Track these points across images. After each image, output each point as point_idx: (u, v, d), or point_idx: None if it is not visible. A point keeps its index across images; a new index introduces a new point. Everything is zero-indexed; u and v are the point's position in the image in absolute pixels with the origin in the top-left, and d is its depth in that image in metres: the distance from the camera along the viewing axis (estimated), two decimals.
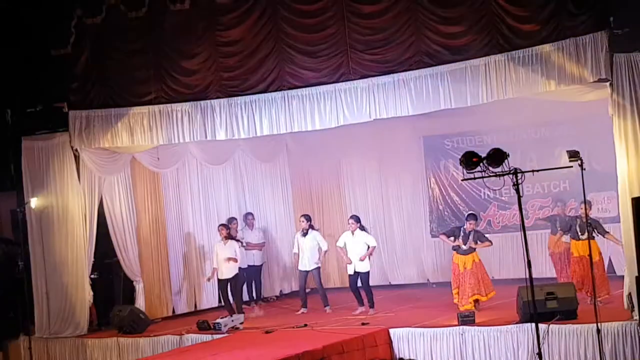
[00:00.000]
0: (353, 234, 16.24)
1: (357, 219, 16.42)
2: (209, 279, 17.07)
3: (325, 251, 16.97)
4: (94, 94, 16.32)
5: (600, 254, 14.58)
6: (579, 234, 14.68)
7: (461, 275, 15.09)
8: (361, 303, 16.17)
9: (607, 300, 14.12)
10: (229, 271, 16.60)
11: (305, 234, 16.87)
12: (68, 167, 16.63)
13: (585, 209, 13.94)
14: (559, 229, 15.88)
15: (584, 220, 14.23)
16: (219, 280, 16.85)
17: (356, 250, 16.14)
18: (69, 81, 16.47)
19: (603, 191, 16.09)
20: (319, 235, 17.03)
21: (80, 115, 16.40)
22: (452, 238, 15.30)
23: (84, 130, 16.37)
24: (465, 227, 15.26)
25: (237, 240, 17.14)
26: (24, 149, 16.94)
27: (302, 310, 16.83)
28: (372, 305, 16.03)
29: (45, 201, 16.64)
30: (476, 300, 15.02)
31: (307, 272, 16.87)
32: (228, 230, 16.88)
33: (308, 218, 17.10)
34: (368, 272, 16.21)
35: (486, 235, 15.76)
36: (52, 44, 16.50)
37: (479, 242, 15.19)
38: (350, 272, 16.26)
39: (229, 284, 16.64)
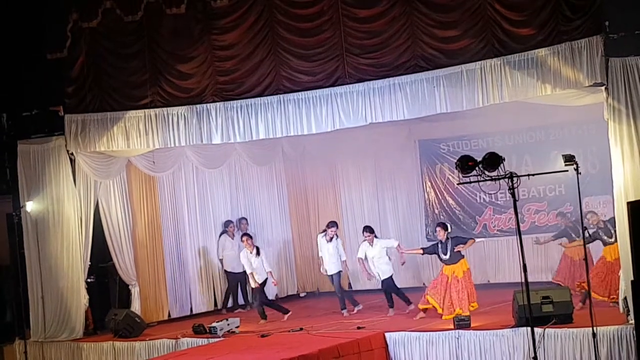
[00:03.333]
0: (372, 244, 16.27)
1: (371, 230, 16.44)
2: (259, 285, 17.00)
3: (344, 261, 17.02)
4: (89, 98, 16.31)
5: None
6: (606, 238, 14.53)
7: (448, 285, 14.86)
8: (391, 305, 16.19)
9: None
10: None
11: (330, 240, 16.88)
12: (64, 170, 16.62)
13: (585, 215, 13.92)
14: (573, 235, 15.71)
15: (606, 225, 14.37)
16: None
17: (379, 259, 16.21)
18: (65, 85, 16.45)
19: (598, 195, 16.09)
20: (340, 245, 17.10)
21: (76, 119, 16.39)
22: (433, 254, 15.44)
23: (79, 134, 16.36)
24: (440, 239, 15.23)
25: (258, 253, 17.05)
26: (20, 152, 16.93)
27: (343, 312, 16.57)
28: (408, 303, 16.05)
29: (41, 205, 16.63)
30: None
31: (332, 276, 16.90)
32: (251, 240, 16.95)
33: (336, 225, 17.16)
34: (391, 277, 16.26)
35: (481, 239, 15.73)
36: (48, 48, 16.49)
37: (460, 244, 15.11)
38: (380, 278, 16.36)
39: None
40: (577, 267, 15.47)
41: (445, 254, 15.05)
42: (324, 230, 17.05)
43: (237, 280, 18.53)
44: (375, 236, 16.39)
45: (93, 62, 16.28)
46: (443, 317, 14.72)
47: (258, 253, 16.80)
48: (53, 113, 16.61)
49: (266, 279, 16.89)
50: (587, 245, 15.08)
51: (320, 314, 16.82)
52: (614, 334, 12.29)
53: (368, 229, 16.46)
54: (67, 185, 16.60)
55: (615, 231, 13.78)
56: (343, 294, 16.90)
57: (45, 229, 16.68)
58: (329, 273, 16.90)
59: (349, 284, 19.53)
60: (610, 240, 14.37)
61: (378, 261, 16.21)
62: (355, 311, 16.61)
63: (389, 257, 16.41)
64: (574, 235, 15.62)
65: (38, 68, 16.61)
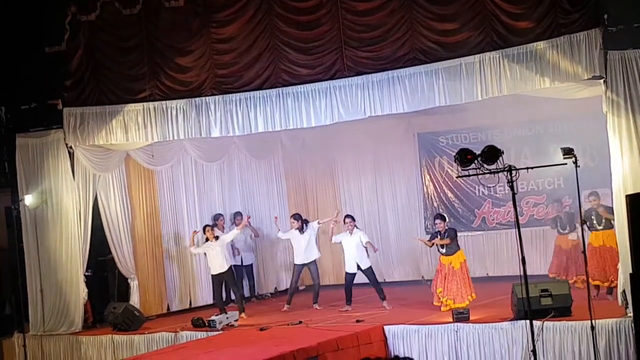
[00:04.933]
0: (351, 233, 16.27)
1: (353, 218, 16.52)
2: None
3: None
4: (88, 91, 16.28)
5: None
6: (596, 224, 14.74)
7: (445, 275, 14.97)
8: (349, 302, 16.16)
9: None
10: (220, 267, 16.64)
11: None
12: (62, 164, 16.61)
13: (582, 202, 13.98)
14: (559, 227, 15.94)
15: (598, 211, 14.58)
16: (212, 276, 16.90)
17: (355, 249, 16.19)
18: (64, 78, 16.42)
19: (597, 188, 16.06)
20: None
21: (75, 112, 16.36)
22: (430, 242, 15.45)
23: (78, 127, 16.33)
24: (439, 230, 15.29)
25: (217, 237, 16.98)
26: (18, 146, 16.91)
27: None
28: (384, 297, 16.02)
29: (39, 198, 16.62)
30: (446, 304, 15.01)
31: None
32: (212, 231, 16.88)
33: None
34: (371, 267, 16.25)
35: (480, 232, 15.73)
36: (46, 41, 16.48)
37: (441, 237, 15.15)
38: (352, 270, 16.25)
39: (221, 279, 16.68)
40: (568, 255, 15.78)
41: (442, 247, 15.11)
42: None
43: (220, 280, 18.43)
44: (356, 226, 16.41)
45: (92, 55, 16.25)
46: (434, 302, 14.91)
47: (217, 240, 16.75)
48: (52, 106, 16.59)
49: (228, 269, 16.80)
50: (574, 233, 15.34)
51: (320, 307, 16.77)
52: (613, 327, 12.31)
53: (351, 217, 16.51)
54: (65, 179, 16.59)
55: (604, 220, 14.24)
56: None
57: (44, 223, 16.68)
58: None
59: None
60: (599, 227, 14.60)
61: (358, 251, 16.19)
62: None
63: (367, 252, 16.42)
64: (561, 229, 15.83)
65: (36, 61, 16.58)
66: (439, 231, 15.27)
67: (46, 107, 16.69)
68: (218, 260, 16.54)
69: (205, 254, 16.90)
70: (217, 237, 16.76)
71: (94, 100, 16.27)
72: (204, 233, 16.83)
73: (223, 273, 16.59)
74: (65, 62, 16.37)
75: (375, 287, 16.20)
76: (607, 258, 14.42)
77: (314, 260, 17.03)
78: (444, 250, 15.12)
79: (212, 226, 17.41)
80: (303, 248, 16.96)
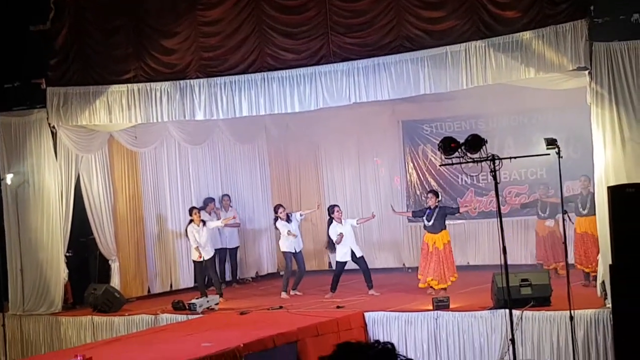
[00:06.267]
0: (342, 222, 16.28)
1: (339, 208, 16.53)
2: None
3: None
4: (72, 71, 16.20)
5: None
6: (581, 209, 14.91)
7: (429, 254, 15.16)
8: (334, 290, 16.17)
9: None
10: (207, 254, 16.69)
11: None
12: (45, 144, 16.53)
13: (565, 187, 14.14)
14: (540, 210, 16.18)
15: (585, 195, 14.80)
16: (194, 261, 16.91)
17: (349, 237, 16.19)
18: (48, 57, 16.33)
19: (580, 179, 16.11)
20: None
21: (59, 92, 16.27)
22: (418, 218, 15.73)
23: (61, 107, 16.25)
24: (430, 205, 15.44)
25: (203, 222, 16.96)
26: (1, 124, 16.81)
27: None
28: (371, 286, 16.04)
29: (21, 178, 16.55)
30: (430, 286, 15.12)
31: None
32: (199, 215, 16.85)
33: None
34: (362, 256, 16.25)
35: (461, 221, 15.83)
36: (31, 20, 16.36)
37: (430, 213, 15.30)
38: (344, 259, 16.19)
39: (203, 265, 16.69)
40: (545, 241, 16.16)
41: (429, 221, 15.25)
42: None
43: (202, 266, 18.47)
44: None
45: (77, 35, 16.16)
46: (419, 285, 15.08)
47: (204, 225, 16.74)
48: (35, 86, 16.50)
49: (213, 255, 16.85)
50: (552, 220, 15.55)
51: (300, 293, 16.78)
52: (591, 317, 12.36)
53: (337, 207, 16.49)
54: (48, 159, 16.51)
55: (589, 204, 14.43)
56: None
57: (25, 202, 16.61)
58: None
59: (329, 263, 19.57)
60: (583, 212, 14.83)
61: (351, 240, 16.19)
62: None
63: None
64: (541, 212, 16.19)
65: (21, 40, 16.47)
66: (429, 207, 15.34)
67: (30, 86, 16.59)
68: (207, 247, 16.63)
69: (187, 237, 16.87)
70: (204, 222, 16.74)
71: (78, 80, 16.18)
72: (190, 215, 16.80)
73: (207, 260, 16.62)
74: (50, 41, 16.27)
75: (366, 276, 16.16)
76: (589, 245, 14.58)
77: (301, 250, 17.03)
78: (429, 224, 15.21)
79: (200, 209, 17.38)
80: (292, 238, 16.92)
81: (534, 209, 16.75)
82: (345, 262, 16.24)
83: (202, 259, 16.59)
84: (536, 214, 16.54)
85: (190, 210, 16.92)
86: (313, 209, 17.53)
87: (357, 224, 16.53)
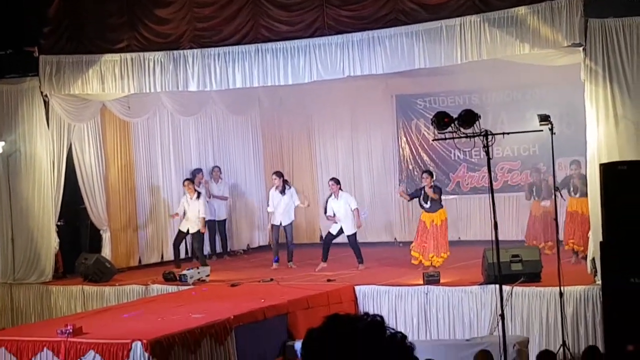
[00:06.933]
0: (337, 197, 16.22)
1: (337, 181, 16.40)
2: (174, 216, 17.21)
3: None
4: (65, 39, 16.11)
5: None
6: (572, 193, 15.01)
7: (427, 231, 15.18)
8: (325, 259, 16.16)
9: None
10: (196, 226, 16.74)
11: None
12: (37, 112, 16.45)
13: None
14: (535, 194, 16.14)
15: (575, 180, 14.89)
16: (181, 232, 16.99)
17: (342, 212, 16.11)
18: (41, 25, 16.22)
19: (572, 156, 16.14)
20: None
21: (51, 60, 16.17)
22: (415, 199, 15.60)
23: (54, 75, 16.15)
24: (424, 185, 15.42)
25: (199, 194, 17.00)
26: None
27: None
28: (362, 261, 16.05)
29: (12, 146, 16.48)
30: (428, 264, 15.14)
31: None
32: (193, 186, 16.86)
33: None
34: (355, 234, 16.18)
35: (453, 196, 15.85)
36: None
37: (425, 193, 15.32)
38: (334, 231, 16.18)
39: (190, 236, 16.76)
40: (538, 221, 16.06)
41: (426, 202, 15.25)
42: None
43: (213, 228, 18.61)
44: (340, 189, 16.36)
45: (70, 3, 16.05)
46: (412, 262, 15.17)
47: (198, 198, 16.79)
48: (28, 53, 16.40)
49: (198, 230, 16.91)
50: (548, 200, 15.59)
51: (295, 267, 16.77)
52: (581, 294, 12.42)
53: (334, 180, 16.42)
54: (40, 127, 16.44)
55: (580, 189, 14.52)
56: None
57: (17, 170, 16.55)
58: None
59: (321, 236, 19.56)
60: (575, 195, 14.96)
61: (344, 216, 16.11)
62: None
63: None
64: (536, 196, 16.18)
65: (13, 7, 16.35)
66: (423, 187, 15.32)
67: (22, 53, 16.49)
68: (194, 220, 16.63)
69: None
70: (198, 193, 16.75)
71: (71, 48, 16.09)
72: (183, 186, 16.78)
73: (195, 232, 16.65)
74: (43, 9, 16.15)
75: (355, 252, 16.16)
76: (577, 224, 14.63)
77: (290, 223, 17.02)
78: (427, 206, 15.23)
79: (192, 180, 17.37)
80: (282, 209, 16.92)
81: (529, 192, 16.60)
82: (335, 235, 16.24)
83: (186, 231, 16.63)
84: (532, 197, 16.35)
85: (184, 182, 16.95)
86: (304, 205, 17.43)
87: (352, 210, 16.30)
